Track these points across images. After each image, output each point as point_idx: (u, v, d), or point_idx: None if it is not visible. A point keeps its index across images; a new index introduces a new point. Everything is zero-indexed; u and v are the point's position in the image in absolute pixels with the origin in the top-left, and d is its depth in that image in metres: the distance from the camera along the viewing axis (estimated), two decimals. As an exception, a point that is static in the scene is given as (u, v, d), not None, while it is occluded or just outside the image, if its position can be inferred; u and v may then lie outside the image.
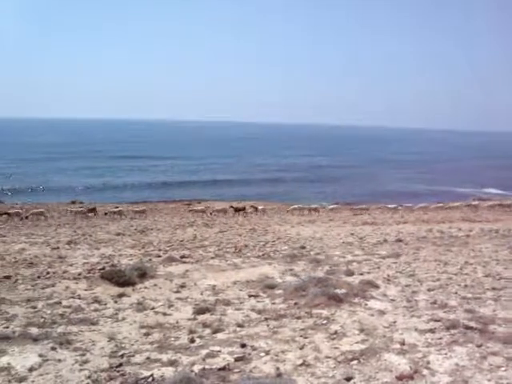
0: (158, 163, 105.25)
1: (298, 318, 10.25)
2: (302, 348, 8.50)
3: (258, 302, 11.77)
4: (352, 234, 25.04)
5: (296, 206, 42.24)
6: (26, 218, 33.18)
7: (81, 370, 7.78)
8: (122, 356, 8.33)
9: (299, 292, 11.85)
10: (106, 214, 36.38)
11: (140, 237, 24.41)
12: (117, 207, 39.51)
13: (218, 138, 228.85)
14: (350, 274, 14.45)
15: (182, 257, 17.72)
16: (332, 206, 45.80)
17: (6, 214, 33.89)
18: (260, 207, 41.58)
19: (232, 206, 40.82)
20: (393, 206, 45.66)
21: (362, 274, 14.47)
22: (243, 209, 40.19)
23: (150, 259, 17.39)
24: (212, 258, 17.80)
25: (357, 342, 8.71)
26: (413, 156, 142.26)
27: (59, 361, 8.13)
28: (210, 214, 38.80)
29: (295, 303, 11.27)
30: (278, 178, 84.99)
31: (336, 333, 9.20)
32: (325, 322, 9.89)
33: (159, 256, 18.06)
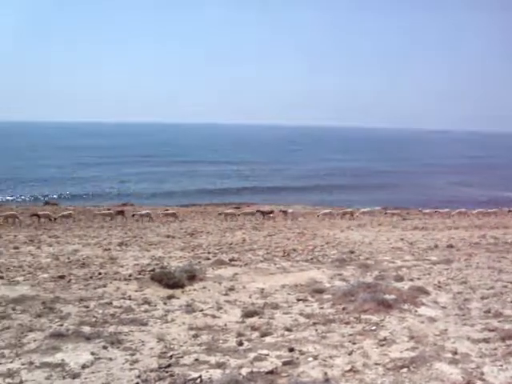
0: (212, 168, 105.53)
1: (347, 323, 10.18)
2: (350, 354, 8.43)
3: (307, 306, 11.74)
4: (402, 239, 24.63)
5: (327, 211, 41.57)
6: (55, 219, 33.69)
7: (131, 369, 7.95)
8: (170, 357, 8.45)
9: (348, 297, 11.77)
10: (133, 215, 36.54)
11: (190, 239, 24.66)
12: (148, 211, 39.64)
13: (259, 141, 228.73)
14: (400, 279, 14.24)
15: (231, 260, 17.82)
16: (364, 210, 44.44)
17: (35, 215, 34.49)
18: (290, 211, 41.16)
19: (259, 210, 40.72)
20: (444, 210, 44.65)
21: (411, 280, 14.23)
22: (271, 212, 40.07)
23: (200, 262, 17.54)
24: (261, 261, 17.83)
25: (406, 350, 8.58)
26: (466, 160, 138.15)
27: (110, 359, 8.33)
28: (238, 215, 38.76)
29: (344, 308, 11.19)
30: (330, 185, 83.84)
31: (385, 339, 9.09)
32: (374, 327, 9.79)
33: (208, 259, 18.20)
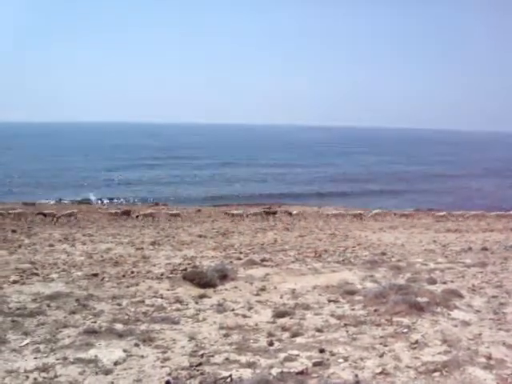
0: (261, 170, 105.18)
1: (378, 325, 10.09)
2: (381, 356, 8.36)
3: (338, 307, 11.67)
4: (435, 241, 24.33)
5: (336, 212, 41.16)
6: (58, 218, 33.98)
7: (162, 366, 8.03)
8: (201, 355, 8.50)
9: (379, 299, 11.66)
10: (137, 216, 36.53)
11: (221, 239, 24.80)
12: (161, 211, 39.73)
13: (295, 142, 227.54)
14: (433, 282, 14.04)
15: (263, 260, 17.84)
16: (376, 211, 43.60)
17: (41, 213, 34.99)
18: (294, 212, 41.08)
19: (264, 210, 40.75)
20: (478, 212, 43.78)
21: (445, 283, 14.02)
22: (274, 213, 40.02)
23: (231, 261, 17.62)
24: (292, 261, 17.82)
25: (439, 353, 8.46)
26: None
27: (142, 357, 8.43)
28: (247, 216, 38.68)
29: (375, 310, 11.10)
30: (367, 188, 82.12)
31: (417, 342, 8.98)
32: (405, 330, 9.68)
33: (240, 259, 18.27)
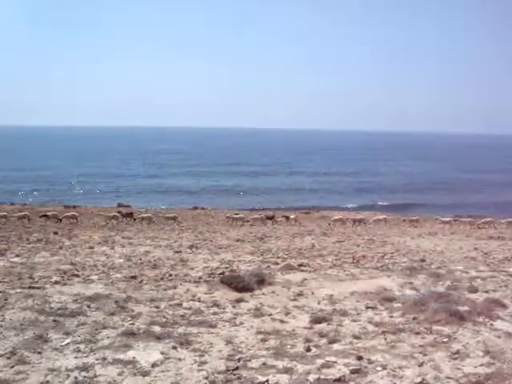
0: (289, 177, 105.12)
1: (417, 333, 9.93)
2: (420, 365, 8.22)
3: (376, 314, 11.55)
4: (476, 249, 23.77)
5: (337, 217, 40.53)
6: (60, 220, 34.42)
7: (199, 370, 8.08)
8: (238, 360, 8.53)
9: (418, 306, 11.49)
10: (134, 219, 36.60)
11: (259, 244, 24.79)
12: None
13: (332, 147, 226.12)
14: (474, 290, 13.72)
15: (300, 265, 17.75)
16: (379, 217, 42.05)
17: (44, 216, 35.31)
18: (292, 216, 40.76)
19: (266, 215, 40.67)
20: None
21: (487, 292, 13.68)
22: (272, 217, 39.77)
23: (269, 266, 17.60)
24: (330, 267, 17.69)
25: (481, 365, 8.26)
26: None
27: (179, 360, 8.50)
28: (247, 221, 38.36)
29: (414, 318, 10.93)
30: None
31: (458, 352, 8.80)
32: (446, 339, 9.50)
33: (277, 263, 18.22)
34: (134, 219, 36.46)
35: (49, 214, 36.04)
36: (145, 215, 37.61)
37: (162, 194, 74.40)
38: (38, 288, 13.35)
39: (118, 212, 38.76)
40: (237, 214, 41.24)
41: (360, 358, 8.52)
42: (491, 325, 10.55)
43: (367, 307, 12.12)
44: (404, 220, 41.76)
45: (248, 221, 38.14)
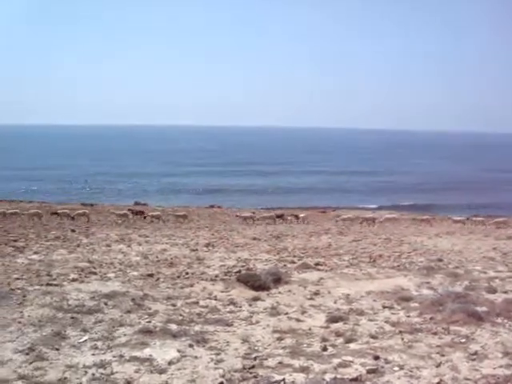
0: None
1: (435, 333, 9.84)
2: (438, 366, 8.15)
3: (393, 313, 11.49)
4: (494, 249, 23.47)
5: (345, 216, 40.18)
6: (72, 218, 34.50)
7: (215, 368, 8.09)
8: (255, 358, 8.53)
9: (436, 306, 11.41)
10: (144, 217, 36.66)
11: (275, 242, 24.78)
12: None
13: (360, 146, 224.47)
14: (492, 291, 13.56)
15: (317, 264, 17.72)
16: (388, 216, 41.59)
17: (55, 213, 35.61)
18: (301, 215, 40.55)
19: (276, 214, 40.55)
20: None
21: (505, 293, 13.49)
22: (282, 216, 39.57)
23: (285, 265, 17.60)
24: (346, 266, 17.64)
25: (500, 366, 8.14)
26: None
27: (196, 358, 8.53)
28: (257, 219, 38.21)
29: (431, 318, 10.84)
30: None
31: (476, 353, 8.69)
32: (463, 340, 9.40)
33: (294, 262, 18.20)
34: (144, 217, 36.62)
35: (60, 211, 36.31)
36: (154, 213, 37.78)
37: (179, 192, 74.82)
38: (55, 285, 13.48)
39: (129, 210, 38.97)
40: (253, 213, 41.23)
41: (377, 358, 8.47)
42: (510, 326, 10.41)
43: (384, 307, 12.07)
44: (414, 219, 41.20)
45: (258, 219, 38.15)
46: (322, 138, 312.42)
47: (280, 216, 39.58)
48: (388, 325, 10.56)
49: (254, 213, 42.07)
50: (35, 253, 19.02)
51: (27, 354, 8.44)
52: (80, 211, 36.96)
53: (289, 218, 39.56)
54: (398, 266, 17.89)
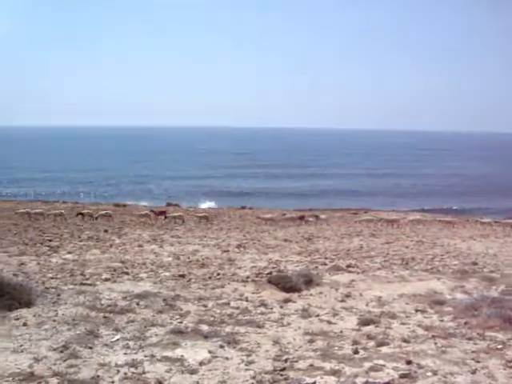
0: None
1: (469, 339, 9.65)
2: (473, 373, 7.96)
3: (426, 317, 11.33)
4: (532, 252, 22.98)
5: (367, 218, 39.53)
6: (96, 218, 34.83)
7: (246, 369, 8.09)
8: (285, 360, 8.49)
9: (470, 311, 11.20)
10: (165, 217, 36.70)
11: (306, 244, 24.69)
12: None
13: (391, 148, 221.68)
14: (530, 296, 13.27)
15: (348, 266, 17.60)
16: (413, 218, 40.66)
17: (80, 214, 35.78)
18: (322, 216, 40.05)
19: (297, 215, 40.19)
20: None
21: (543, 298, 13.21)
22: (303, 217, 39.16)
23: (316, 267, 17.51)
24: (378, 268, 17.48)
25: (538, 374, 7.94)
26: None
27: (227, 359, 8.53)
28: (279, 221, 37.85)
29: (466, 323, 10.64)
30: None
31: (513, 360, 8.48)
32: (500, 346, 9.18)
33: (325, 264, 18.11)
34: (166, 217, 36.93)
35: (84, 212, 36.87)
36: (176, 214, 38.04)
37: (211, 194, 74.98)
38: (89, 285, 13.71)
39: (151, 211, 39.38)
40: (285, 215, 41.13)
41: (409, 363, 8.34)
42: (548, 332, 10.16)
43: (417, 310, 11.92)
44: (439, 221, 40.41)
45: (280, 221, 38.05)
46: (350, 139, 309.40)
47: (301, 217, 39.43)
48: (421, 329, 10.41)
49: (284, 214, 41.92)
50: (69, 252, 19.37)
51: (61, 351, 8.58)
52: (103, 212, 37.53)
53: (310, 219, 39.29)
54: (431, 268, 17.65)
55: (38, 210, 35.75)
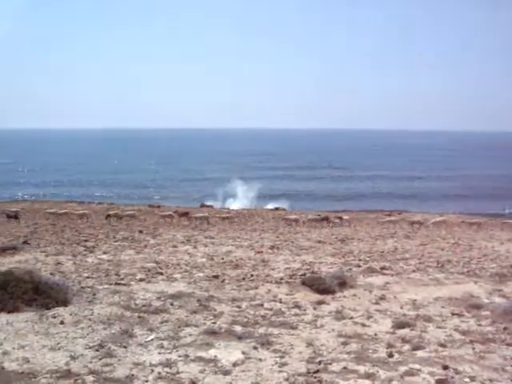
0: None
1: (509, 344, 9.39)
2: (513, 379, 7.78)
3: (462, 321, 11.10)
4: None
5: (388, 218, 38.91)
6: (121, 218, 35.19)
7: (280, 371, 8.03)
8: (319, 362, 8.42)
9: (509, 316, 10.95)
10: (189, 218, 36.87)
11: (340, 246, 24.55)
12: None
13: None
14: None
15: (382, 268, 17.42)
16: (438, 219, 39.62)
17: (108, 216, 35.94)
18: (345, 217, 39.68)
19: (321, 216, 39.70)
20: None
21: None
22: (327, 218, 38.68)
23: (350, 268, 17.37)
24: (413, 271, 17.24)
25: None
26: None
27: (260, 360, 8.50)
28: (303, 222, 37.45)
29: (505, 328, 10.39)
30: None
31: (556, 369, 8.24)
32: (541, 353, 8.95)
33: (359, 266, 17.96)
34: (189, 218, 37.17)
35: (111, 212, 37.41)
36: (200, 215, 38.26)
37: (245, 194, 75.01)
38: (123, 284, 13.85)
39: (174, 212, 39.81)
40: (315, 216, 40.98)
41: (446, 368, 8.17)
42: None
43: (453, 314, 11.69)
44: (463, 221, 39.71)
45: (304, 222, 37.92)
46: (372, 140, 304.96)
47: (325, 218, 39.22)
48: (458, 333, 10.21)
49: (318, 215, 41.77)
50: (104, 253, 19.64)
51: (97, 350, 8.68)
52: (129, 212, 38.13)
53: (336, 220, 39.06)
54: (468, 271, 17.33)
55: (63, 211, 36.82)
